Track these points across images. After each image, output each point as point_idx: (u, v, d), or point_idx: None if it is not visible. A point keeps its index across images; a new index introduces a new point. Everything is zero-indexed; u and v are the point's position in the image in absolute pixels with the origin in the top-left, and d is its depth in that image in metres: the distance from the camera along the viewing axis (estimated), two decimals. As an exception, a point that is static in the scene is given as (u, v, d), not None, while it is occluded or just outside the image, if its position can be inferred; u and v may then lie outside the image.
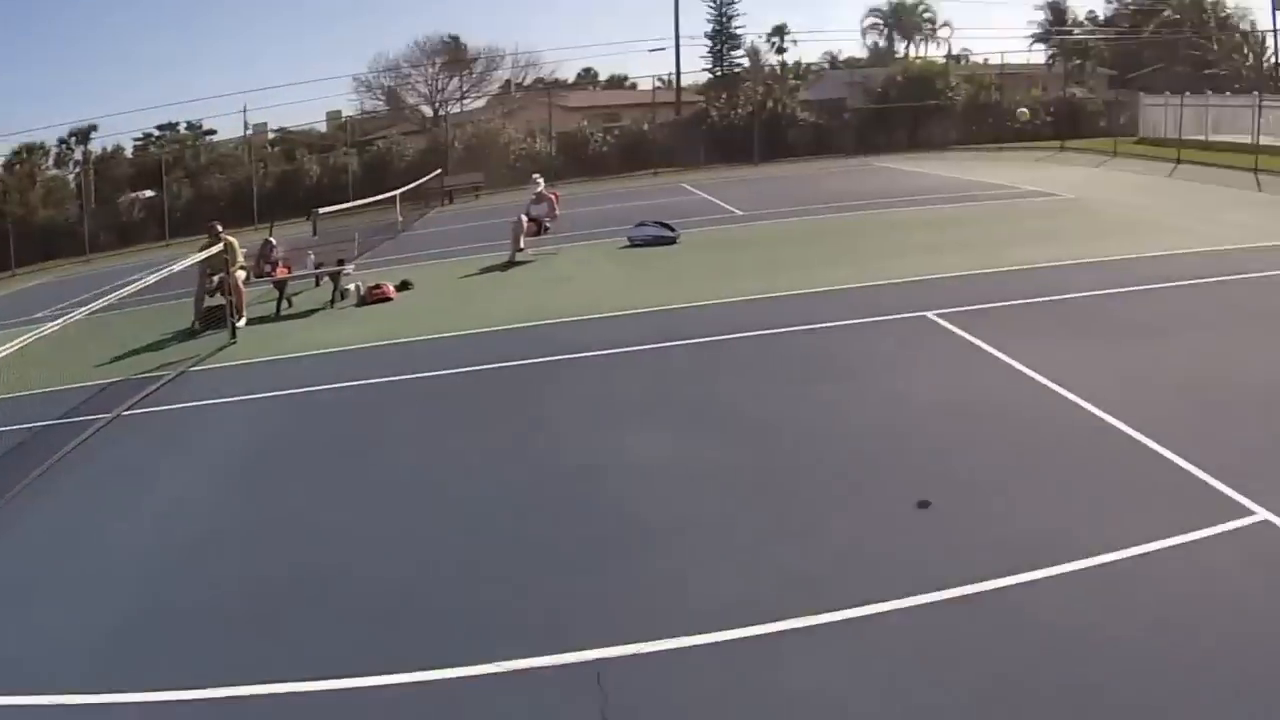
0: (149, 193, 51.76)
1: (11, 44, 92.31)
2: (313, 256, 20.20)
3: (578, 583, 7.31)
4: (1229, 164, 30.48)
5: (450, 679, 6.14)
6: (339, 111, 65.13)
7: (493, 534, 8.26)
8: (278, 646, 6.78)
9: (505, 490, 9.21)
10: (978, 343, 12.12)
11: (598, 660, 6.13)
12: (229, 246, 17.95)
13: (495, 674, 6.12)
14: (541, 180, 24.36)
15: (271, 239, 20.49)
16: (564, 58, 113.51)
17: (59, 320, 13.27)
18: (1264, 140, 30.11)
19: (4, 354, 11.56)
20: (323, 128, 63.94)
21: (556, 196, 23.70)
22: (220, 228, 18.96)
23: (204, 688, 6.21)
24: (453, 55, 61.07)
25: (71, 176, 60.38)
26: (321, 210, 24.00)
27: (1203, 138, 35.35)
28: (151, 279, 15.65)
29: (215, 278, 18.05)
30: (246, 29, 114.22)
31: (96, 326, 20.97)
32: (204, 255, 17.43)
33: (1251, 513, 7.19)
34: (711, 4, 61.53)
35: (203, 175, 50.43)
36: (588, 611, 6.86)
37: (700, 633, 6.34)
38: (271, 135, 60.91)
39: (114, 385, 14.53)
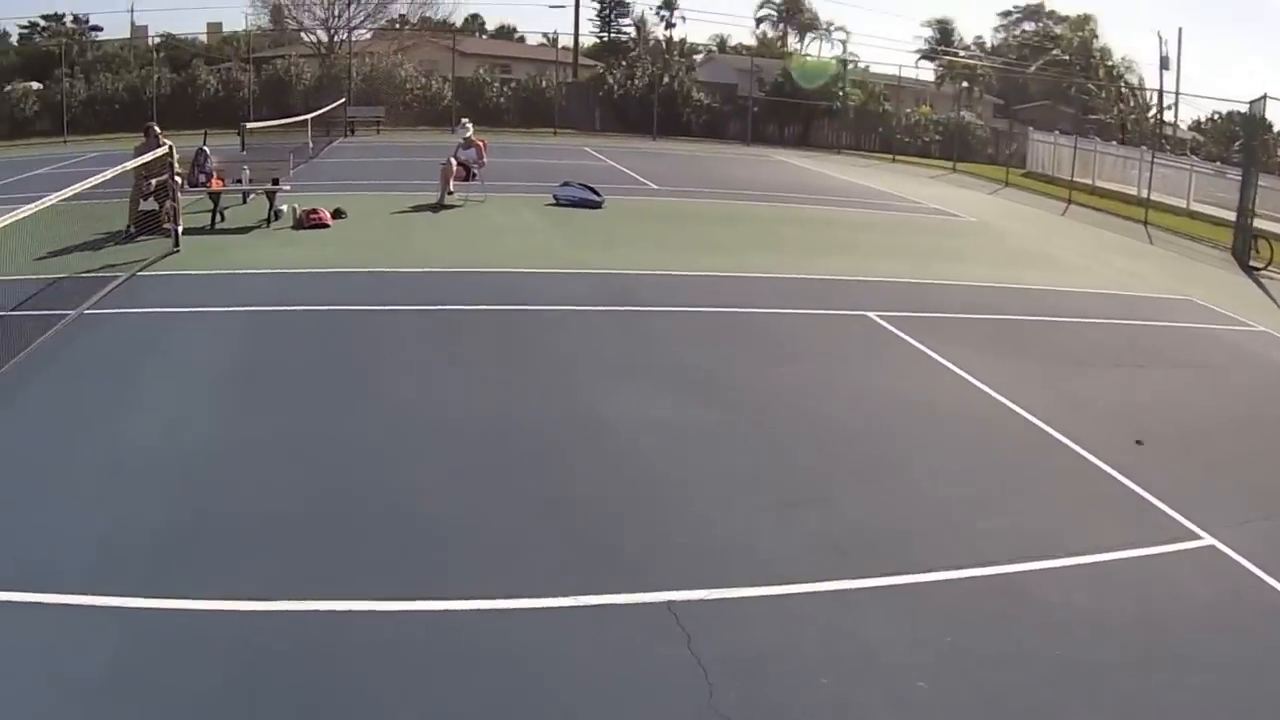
0: (36, 85, 50.32)
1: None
2: (247, 171, 19.98)
3: (620, 529, 7.67)
4: (1119, 212, 32.09)
5: (519, 609, 6.42)
6: (219, 24, 63.60)
7: (513, 473, 8.58)
8: (324, 561, 6.93)
9: (507, 427, 9.57)
10: (924, 349, 12.85)
11: (671, 601, 6.52)
12: (170, 151, 17.66)
13: (569, 607, 6.44)
14: (470, 125, 24.45)
15: (205, 148, 20.13)
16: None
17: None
18: (1155, 195, 31.55)
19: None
20: (204, 38, 62.45)
21: (484, 144, 23.83)
22: (158, 129, 18.71)
23: (259, 600, 6.26)
24: None
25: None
26: (250, 125, 23.64)
27: (1090, 181, 36.78)
28: (99, 177, 15.41)
29: (153, 181, 17.78)
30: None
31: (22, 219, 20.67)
32: (150, 156, 17.14)
33: (1198, 537, 8.02)
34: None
35: (94, 74, 48.99)
36: (645, 556, 7.25)
37: (758, 584, 6.82)
38: (154, 39, 59.26)
39: (61, 281, 14.31)
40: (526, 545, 7.28)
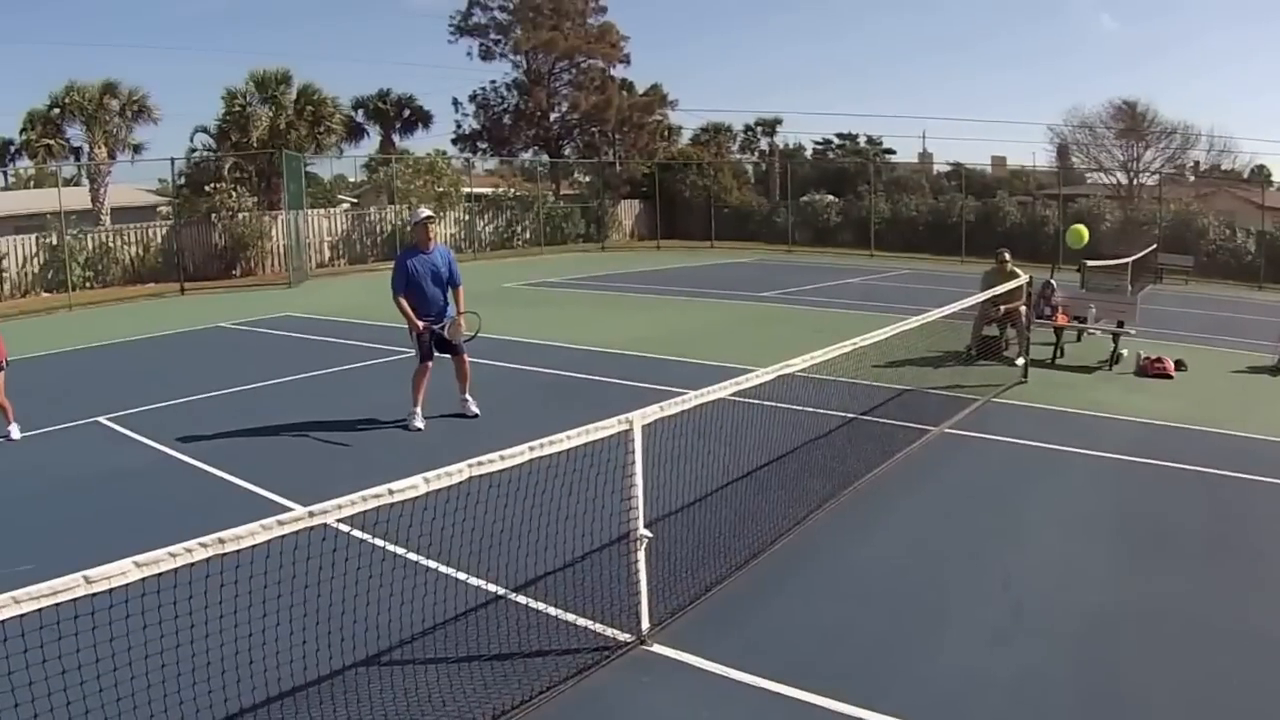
0: (831, 197, 53.73)
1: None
2: (1094, 310, 19.27)
3: None
4: None
5: None
6: (1004, 157, 64.20)
7: None
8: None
9: None
10: None
11: None
12: (1028, 282, 17.39)
13: None
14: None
15: (1052, 281, 19.84)
16: (1261, 150, 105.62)
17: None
18: None
19: (872, 340, 11.43)
20: (988, 169, 63.29)
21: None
22: (1008, 256, 18.52)
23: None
24: (1129, 122, 58.22)
25: (751, 166, 63.43)
26: (1090, 263, 22.99)
27: None
28: (968, 300, 15.56)
29: (1001, 308, 17.58)
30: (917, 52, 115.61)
31: (852, 321, 21.39)
32: (1008, 287, 16.94)
33: None
34: None
35: (893, 194, 51.40)
36: None
37: None
38: (941, 168, 60.98)
39: (906, 394, 14.63)
40: None
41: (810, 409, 12.34)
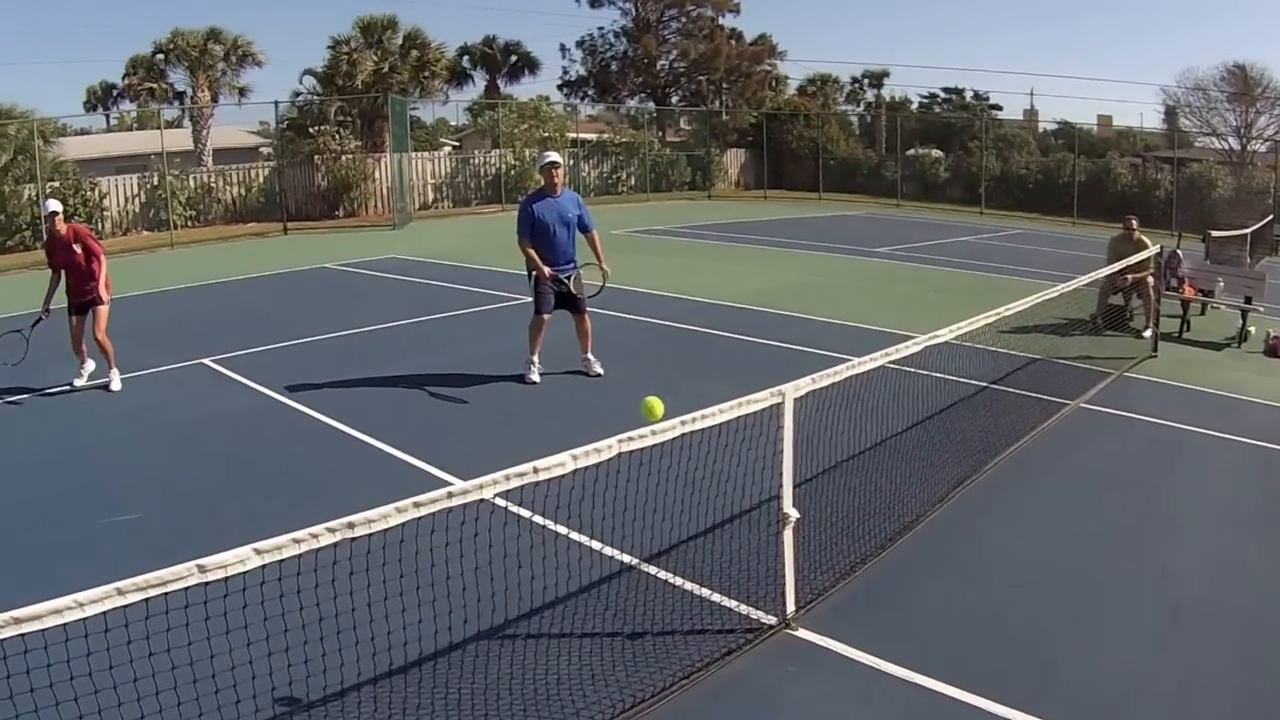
0: (938, 152, 52.69)
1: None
2: (1221, 283, 18.36)
3: None
4: None
5: None
6: (1110, 116, 62.26)
7: None
8: None
9: None
10: None
11: None
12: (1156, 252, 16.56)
13: None
14: None
15: (1179, 251, 18.91)
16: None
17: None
18: None
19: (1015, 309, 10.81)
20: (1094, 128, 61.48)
21: None
22: (1135, 224, 17.69)
23: None
24: (1241, 87, 56.11)
25: (856, 118, 62.55)
26: (1215, 234, 21.97)
27: None
28: (1105, 271, 14.94)
29: (1129, 277, 16.76)
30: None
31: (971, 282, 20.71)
32: (1139, 257, 16.14)
33: None
34: None
35: (1005, 151, 50.23)
36: None
37: None
38: (1047, 125, 59.35)
39: (1035, 363, 13.89)
40: None
41: (942, 375, 11.68)
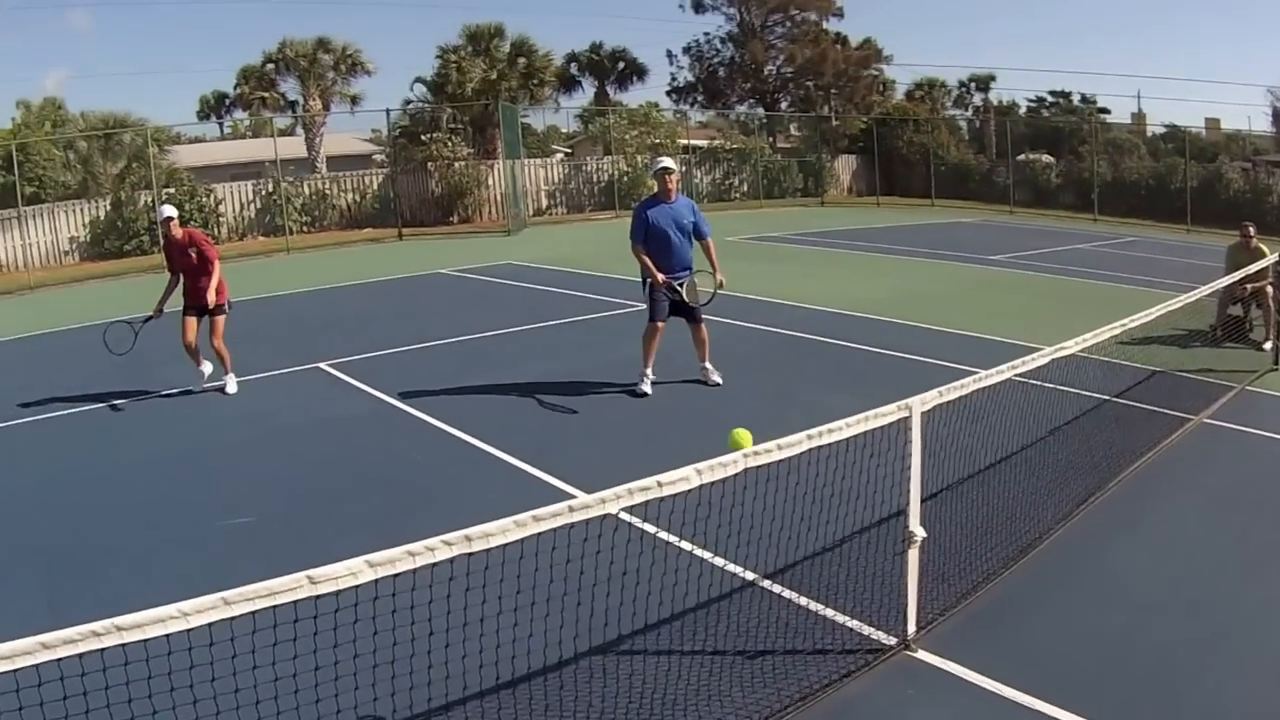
0: (1047, 157, 51.73)
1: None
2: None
3: None
4: None
5: None
6: (1217, 119, 60.46)
7: None
8: None
9: None
10: None
11: None
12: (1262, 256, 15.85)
13: None
14: None
15: (1295, 260, 18.06)
16: None
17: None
18: None
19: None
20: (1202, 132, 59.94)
21: None
22: (1253, 230, 16.96)
23: None
24: None
25: (965, 123, 61.68)
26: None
27: None
28: (1217, 284, 14.07)
29: (1248, 287, 16.06)
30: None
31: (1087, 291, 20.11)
32: (1261, 265, 15.45)
33: None
34: None
35: (1116, 156, 49.16)
36: None
37: None
38: (1158, 129, 57.95)
39: (1157, 375, 13.22)
40: None
41: (1064, 387, 11.16)
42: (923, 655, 6.17)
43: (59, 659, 3.33)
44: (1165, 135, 55.29)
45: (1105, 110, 65.82)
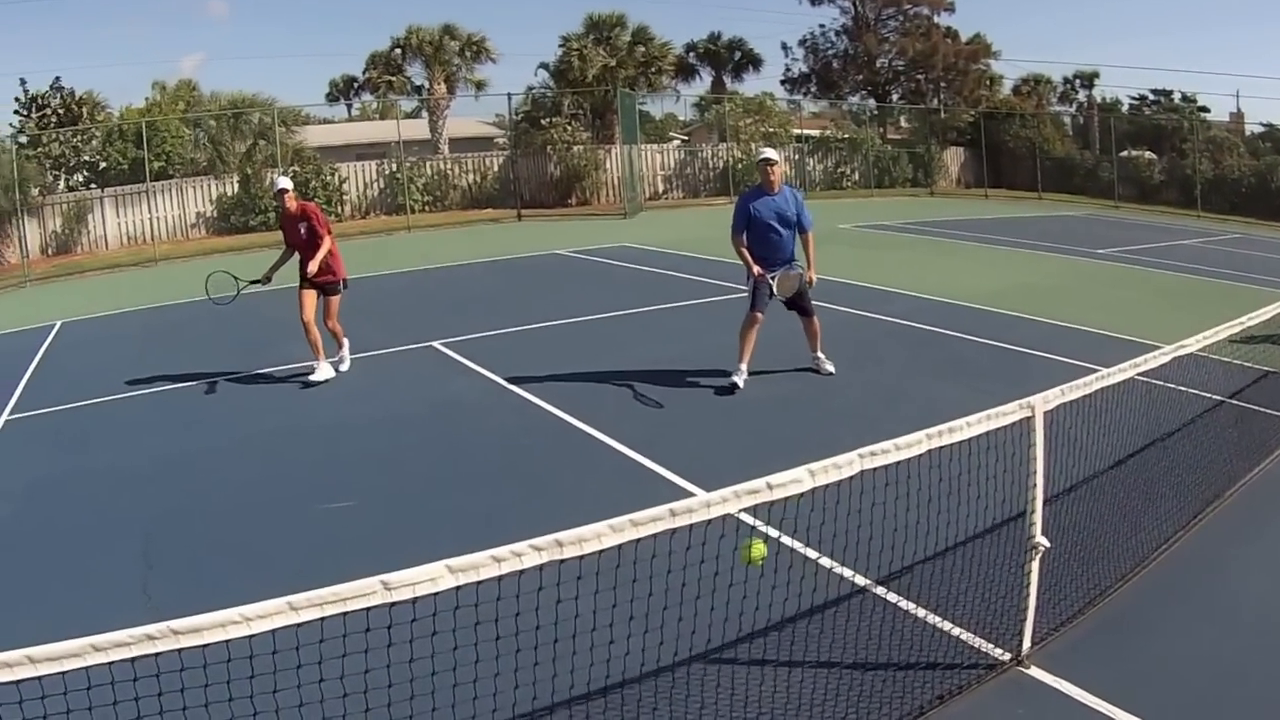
0: (1150, 154, 51.11)
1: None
2: None
3: None
4: None
5: None
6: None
7: None
8: None
9: None
10: None
11: None
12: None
13: None
14: None
15: None
16: None
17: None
18: None
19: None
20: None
21: None
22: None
23: None
24: None
25: (1069, 118, 60.54)
26: None
27: None
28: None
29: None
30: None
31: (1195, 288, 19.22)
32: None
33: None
34: None
35: (1213, 152, 47.77)
36: None
37: None
38: (1257, 127, 56.09)
39: (1271, 376, 12.06)
40: None
41: (1182, 387, 10.35)
42: (1035, 672, 5.56)
43: (110, 663, 2.99)
44: (1263, 134, 53.71)
45: (1205, 109, 64.19)
